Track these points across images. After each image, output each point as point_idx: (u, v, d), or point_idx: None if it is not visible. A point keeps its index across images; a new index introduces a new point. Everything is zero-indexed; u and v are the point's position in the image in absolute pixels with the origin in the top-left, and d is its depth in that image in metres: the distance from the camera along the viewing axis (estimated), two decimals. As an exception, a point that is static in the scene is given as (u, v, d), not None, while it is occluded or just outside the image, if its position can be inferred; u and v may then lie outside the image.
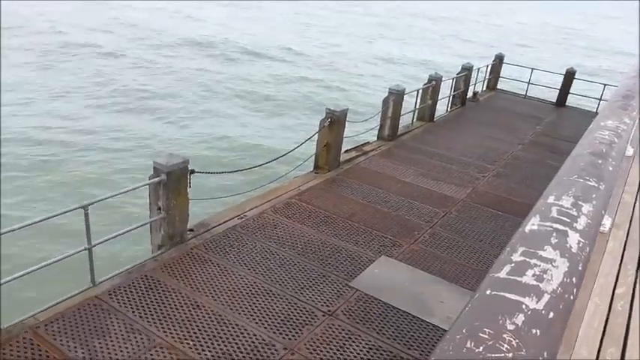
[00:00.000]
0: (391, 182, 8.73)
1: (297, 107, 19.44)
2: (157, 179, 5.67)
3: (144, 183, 5.78)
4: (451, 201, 8.27)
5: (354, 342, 4.83)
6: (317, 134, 8.69)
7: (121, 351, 4.42)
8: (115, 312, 4.88)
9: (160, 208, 5.85)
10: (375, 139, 10.97)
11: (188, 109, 17.78)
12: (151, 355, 4.40)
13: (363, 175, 8.88)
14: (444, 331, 5.09)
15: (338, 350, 4.70)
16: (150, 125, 16.02)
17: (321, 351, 4.67)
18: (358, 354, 4.68)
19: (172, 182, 5.72)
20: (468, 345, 0.78)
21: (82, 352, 4.36)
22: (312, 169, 8.91)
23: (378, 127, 10.94)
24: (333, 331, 4.94)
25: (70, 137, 14.23)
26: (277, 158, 8.34)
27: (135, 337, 4.59)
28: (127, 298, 5.10)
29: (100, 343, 4.48)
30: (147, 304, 5.04)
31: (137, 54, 24.68)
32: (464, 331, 0.81)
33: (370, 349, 4.77)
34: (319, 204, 7.58)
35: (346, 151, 9.65)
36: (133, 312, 4.91)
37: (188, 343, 4.58)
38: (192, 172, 5.98)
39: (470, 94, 15.13)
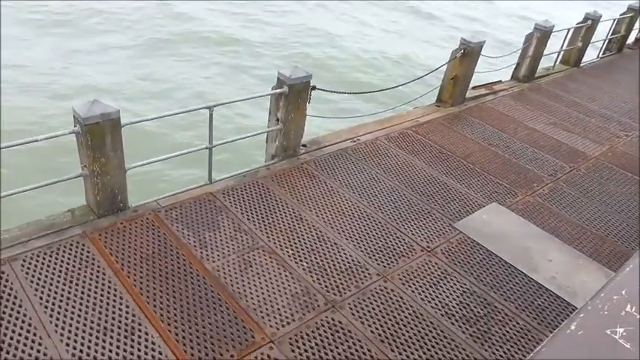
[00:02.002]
0: (518, 127, 8.11)
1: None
2: (279, 90, 5.74)
3: (266, 93, 5.89)
4: (582, 157, 7.54)
5: (448, 282, 4.75)
6: (446, 65, 8.21)
7: (227, 246, 4.74)
8: (227, 210, 5.20)
9: (278, 120, 5.97)
10: (509, 78, 10.16)
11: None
12: (253, 255, 4.67)
13: (487, 116, 8.34)
14: (546, 290, 4.84)
15: (431, 287, 4.66)
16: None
17: (414, 284, 4.66)
18: (451, 294, 4.61)
19: (293, 95, 5.77)
20: (628, 309, 0.65)
21: (194, 241, 4.74)
22: (434, 102, 8.53)
23: (514, 65, 10.08)
24: (429, 268, 4.88)
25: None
26: (398, 86, 8.06)
27: (241, 237, 4.88)
28: (238, 199, 5.39)
29: (209, 235, 4.83)
30: (255, 208, 5.30)
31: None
32: (623, 292, 0.68)
33: (464, 292, 4.66)
34: (435, 139, 7.30)
35: (474, 88, 9.06)
36: (242, 213, 5.20)
37: (288, 252, 4.79)
38: (314, 87, 5.97)
39: (631, 39, 13.26)
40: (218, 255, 4.63)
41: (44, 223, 4.68)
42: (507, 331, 4.35)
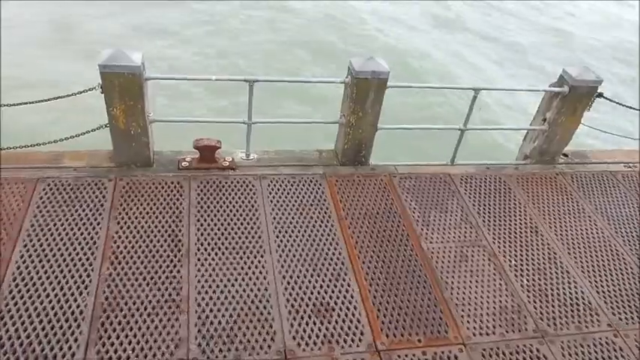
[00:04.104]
0: None
1: None
2: (557, 89, 5.16)
3: (542, 88, 5.36)
4: None
5: (701, 371, 3.77)
6: None
7: (449, 233, 4.56)
8: (459, 196, 4.99)
9: (545, 120, 5.40)
10: None
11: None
12: (472, 251, 4.41)
13: None
14: None
15: (674, 367, 3.77)
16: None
17: (652, 355, 3.83)
18: (700, 387, 3.66)
19: (572, 98, 5.12)
20: None
21: (418, 215, 4.68)
22: None
23: None
24: (680, 344, 3.94)
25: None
26: None
27: (465, 228, 4.64)
28: (475, 189, 5.12)
29: (435, 215, 4.72)
30: (489, 204, 4.96)
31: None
32: None
33: None
34: None
35: None
36: (474, 205, 4.92)
37: (510, 261, 4.39)
38: (600, 95, 5.20)
39: None
40: (437, 238, 4.49)
41: (295, 155, 5.17)
42: None
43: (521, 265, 4.37)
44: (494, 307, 3.96)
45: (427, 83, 5.11)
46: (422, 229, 4.55)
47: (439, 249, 4.38)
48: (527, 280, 4.23)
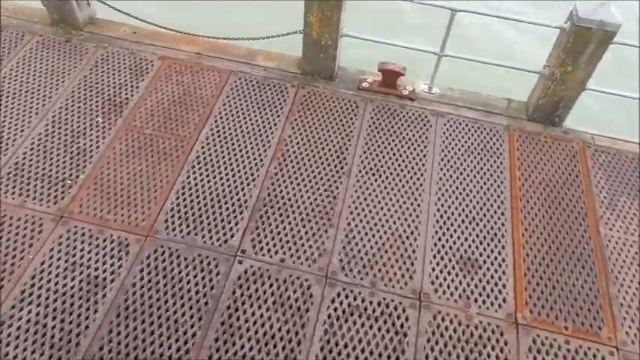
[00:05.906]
0: None
1: None
2: None
3: None
4: None
5: None
6: None
7: (637, 225, 3.96)
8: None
9: None
10: None
11: None
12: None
13: None
14: None
15: None
16: None
17: None
18: None
19: None
20: None
21: (604, 197, 4.12)
22: None
23: None
24: None
25: None
26: None
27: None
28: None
29: (625, 200, 4.10)
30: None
31: None
32: None
33: None
34: None
35: None
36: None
37: None
38: None
39: None
40: (620, 226, 3.93)
41: (481, 99, 4.80)
42: None
43: None
44: (668, 321, 3.43)
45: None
46: (604, 213, 4.01)
47: (619, 239, 3.85)
48: None
